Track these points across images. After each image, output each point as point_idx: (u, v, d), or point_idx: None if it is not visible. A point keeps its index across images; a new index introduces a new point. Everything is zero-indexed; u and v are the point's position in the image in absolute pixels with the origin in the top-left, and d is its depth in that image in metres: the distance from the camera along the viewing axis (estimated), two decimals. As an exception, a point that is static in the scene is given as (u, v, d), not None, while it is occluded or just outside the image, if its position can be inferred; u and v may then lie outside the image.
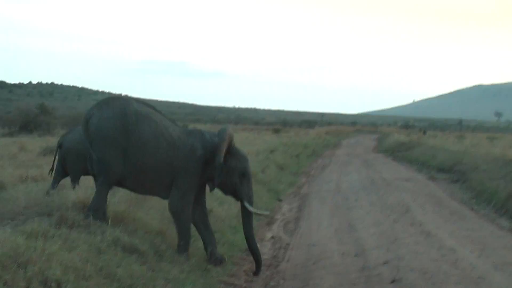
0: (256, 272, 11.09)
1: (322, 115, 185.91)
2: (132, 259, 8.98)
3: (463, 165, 27.13)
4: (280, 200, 19.46)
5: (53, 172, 13.97)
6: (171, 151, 10.53)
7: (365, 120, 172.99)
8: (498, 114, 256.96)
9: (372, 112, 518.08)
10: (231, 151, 11.00)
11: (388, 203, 18.25)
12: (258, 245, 12.87)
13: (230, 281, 10.17)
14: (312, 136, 57.33)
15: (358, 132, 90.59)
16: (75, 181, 13.35)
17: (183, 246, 10.70)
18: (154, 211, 12.01)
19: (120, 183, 10.71)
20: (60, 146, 13.65)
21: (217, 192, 11.51)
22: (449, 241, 12.77)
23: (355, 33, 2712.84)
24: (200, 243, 11.65)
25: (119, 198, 11.47)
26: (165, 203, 11.27)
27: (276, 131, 65.82)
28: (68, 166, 13.50)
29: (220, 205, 14.40)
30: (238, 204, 11.38)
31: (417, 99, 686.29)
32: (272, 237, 14.36)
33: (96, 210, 10.22)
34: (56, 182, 13.60)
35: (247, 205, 11.11)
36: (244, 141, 38.77)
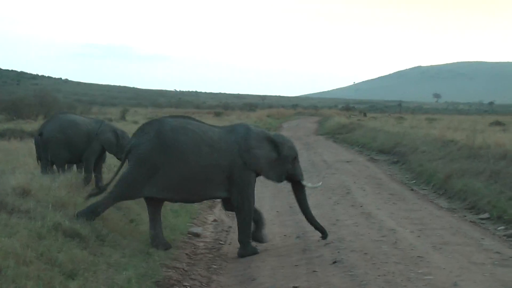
0: (324, 237, 11.54)
1: (263, 98, 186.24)
2: (73, 244, 8.92)
3: (402, 147, 27.42)
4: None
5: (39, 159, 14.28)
6: (215, 153, 10.76)
7: (306, 103, 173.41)
8: (437, 96, 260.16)
9: (313, 94, 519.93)
10: (278, 141, 11.39)
11: (329, 185, 18.40)
12: (201, 228, 12.95)
13: (173, 265, 10.14)
14: (253, 119, 57.25)
15: (299, 115, 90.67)
16: (60, 168, 13.93)
17: (244, 244, 11.20)
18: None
19: (153, 197, 10.79)
20: (40, 134, 14.08)
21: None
22: (389, 222, 12.93)
23: (294, 15, 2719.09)
24: (143, 227, 11.59)
25: (59, 183, 11.35)
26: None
27: (218, 114, 65.62)
28: (51, 154, 13.95)
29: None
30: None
31: (358, 81, 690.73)
32: (215, 220, 14.39)
33: (93, 212, 10.37)
34: (44, 168, 13.85)
35: (305, 183, 11.73)
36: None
